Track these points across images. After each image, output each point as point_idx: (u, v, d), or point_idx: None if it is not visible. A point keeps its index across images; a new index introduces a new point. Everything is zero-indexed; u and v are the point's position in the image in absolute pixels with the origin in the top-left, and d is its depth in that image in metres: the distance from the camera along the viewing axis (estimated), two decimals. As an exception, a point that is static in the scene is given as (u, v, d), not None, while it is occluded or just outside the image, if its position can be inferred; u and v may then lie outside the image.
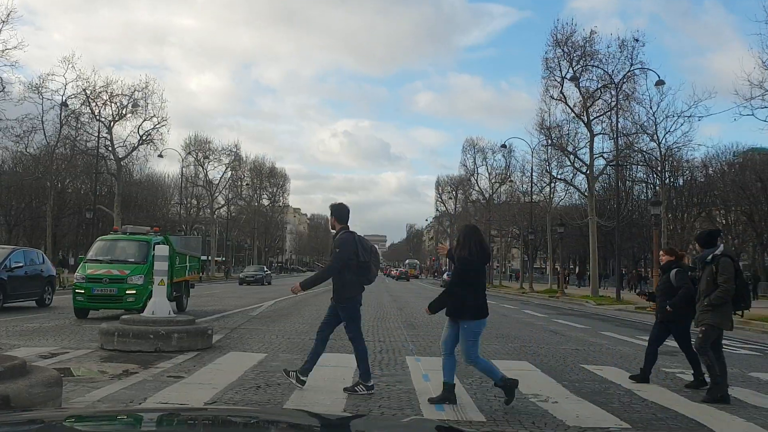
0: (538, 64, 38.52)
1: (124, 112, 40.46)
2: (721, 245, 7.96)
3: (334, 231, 7.27)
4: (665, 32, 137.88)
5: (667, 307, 8.21)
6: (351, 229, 7.30)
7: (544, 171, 43.16)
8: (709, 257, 7.64)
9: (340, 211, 7.29)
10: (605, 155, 37.32)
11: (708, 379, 7.62)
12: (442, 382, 6.67)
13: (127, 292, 14.64)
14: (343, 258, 6.97)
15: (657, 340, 8.45)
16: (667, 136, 32.55)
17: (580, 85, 36.04)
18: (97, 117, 40.37)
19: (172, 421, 2.21)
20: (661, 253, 9.07)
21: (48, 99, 37.69)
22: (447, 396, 6.55)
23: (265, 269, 52.86)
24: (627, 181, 49.92)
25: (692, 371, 8.20)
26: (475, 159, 68.36)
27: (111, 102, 40.12)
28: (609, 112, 35.36)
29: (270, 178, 79.37)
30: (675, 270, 8.31)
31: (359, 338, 7.31)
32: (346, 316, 7.23)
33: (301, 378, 7.01)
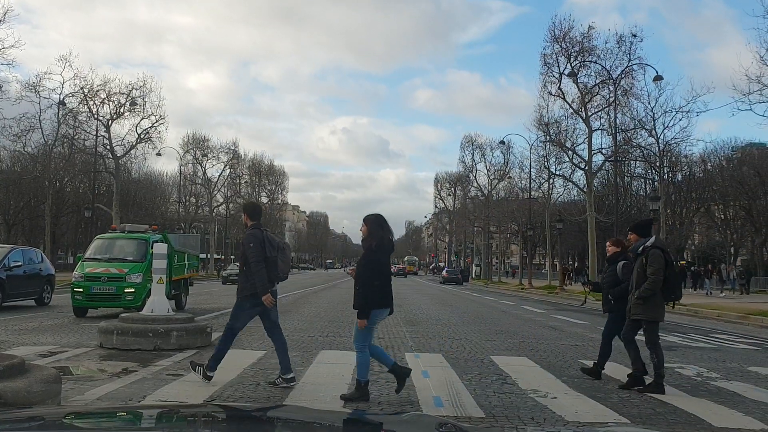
0: (536, 60, 38.64)
1: (122, 110, 40.49)
2: (653, 236, 7.84)
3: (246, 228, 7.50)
4: (665, 27, 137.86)
5: (609, 296, 8.09)
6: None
7: (542, 167, 43.20)
8: (640, 248, 7.54)
9: (253, 210, 7.63)
10: (604, 151, 37.41)
11: (635, 374, 7.64)
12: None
13: (125, 290, 14.64)
14: (256, 252, 7.02)
15: (610, 334, 8.24)
16: (665, 131, 32.63)
17: (578, 81, 36.07)
18: (95, 115, 40.40)
19: (172, 418, 2.21)
20: (608, 244, 8.73)
21: (45, 98, 37.76)
22: (361, 395, 6.47)
23: None
24: (625, 177, 50.00)
25: (597, 362, 8.24)
26: (473, 155, 68.54)
27: (109, 100, 40.16)
28: (607, 108, 35.43)
29: (268, 175, 79.27)
30: (622, 263, 8.10)
31: (276, 330, 7.50)
32: (239, 311, 7.24)
33: (208, 374, 7.02)
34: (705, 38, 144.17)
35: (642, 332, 7.64)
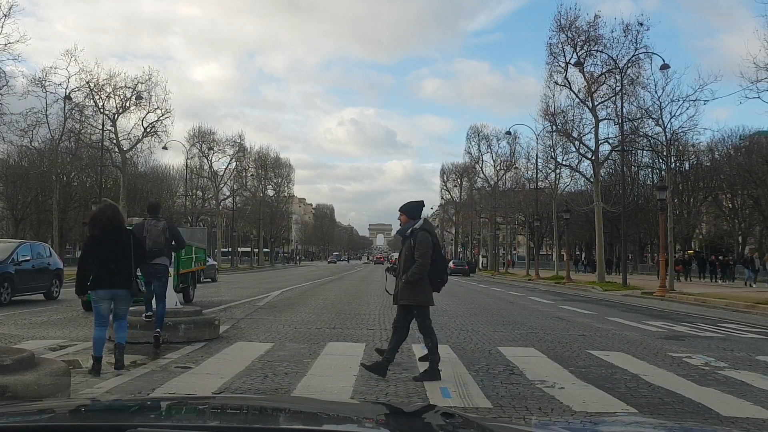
0: (544, 48, 38.09)
1: (127, 104, 40.55)
2: (422, 219, 7.49)
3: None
4: (678, 13, 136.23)
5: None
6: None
7: (549, 157, 42.99)
8: (409, 231, 7.27)
9: (152, 207, 9.55)
10: (610, 140, 37.20)
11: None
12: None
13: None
14: (138, 239, 7.96)
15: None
16: (672, 120, 32.36)
17: (585, 70, 35.88)
18: (101, 110, 40.42)
19: (180, 410, 2.22)
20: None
21: (51, 93, 37.76)
22: (96, 368, 7.04)
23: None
24: (632, 167, 49.73)
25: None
26: (479, 146, 68.41)
27: (114, 95, 40.19)
28: (614, 97, 35.19)
29: (275, 168, 79.29)
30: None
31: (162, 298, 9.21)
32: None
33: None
34: (718, 24, 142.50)
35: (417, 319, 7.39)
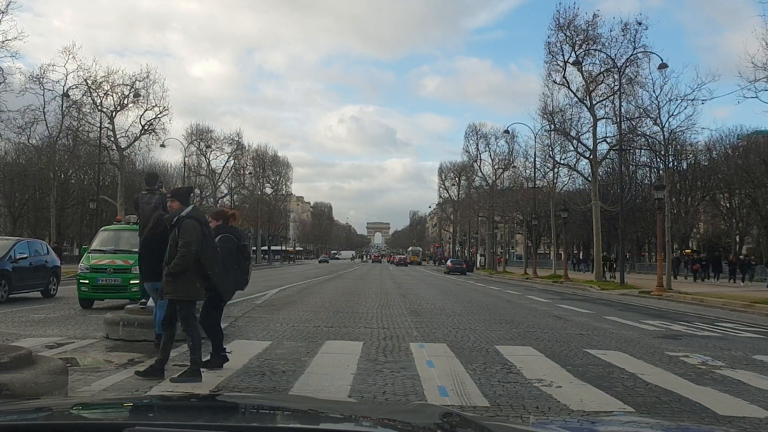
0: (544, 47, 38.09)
1: (125, 102, 40.51)
2: (192, 206, 7.09)
3: None
4: (681, 10, 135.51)
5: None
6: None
7: (547, 156, 43.05)
8: (175, 218, 6.85)
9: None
10: (608, 140, 37.21)
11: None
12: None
13: (131, 281, 14.66)
14: None
15: (211, 318, 7.58)
16: (670, 119, 32.38)
17: (583, 69, 35.90)
18: (99, 107, 40.41)
19: (178, 408, 2.22)
20: (209, 218, 7.73)
21: (49, 90, 37.80)
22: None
23: None
24: (630, 166, 49.74)
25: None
26: (477, 145, 68.40)
27: (112, 92, 40.20)
28: (612, 97, 35.20)
29: (272, 166, 79.37)
30: (221, 236, 7.40)
31: None
32: None
33: None
34: (723, 21, 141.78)
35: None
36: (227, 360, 7.44)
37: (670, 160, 40.65)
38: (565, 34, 36.13)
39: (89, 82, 39.14)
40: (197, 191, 66.09)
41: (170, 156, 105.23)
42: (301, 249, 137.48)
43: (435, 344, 9.96)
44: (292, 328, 11.69)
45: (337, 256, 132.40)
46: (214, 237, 7.16)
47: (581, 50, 35.79)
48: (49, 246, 20.48)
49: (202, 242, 6.71)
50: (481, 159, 67.95)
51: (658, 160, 41.10)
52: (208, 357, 7.42)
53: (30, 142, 40.32)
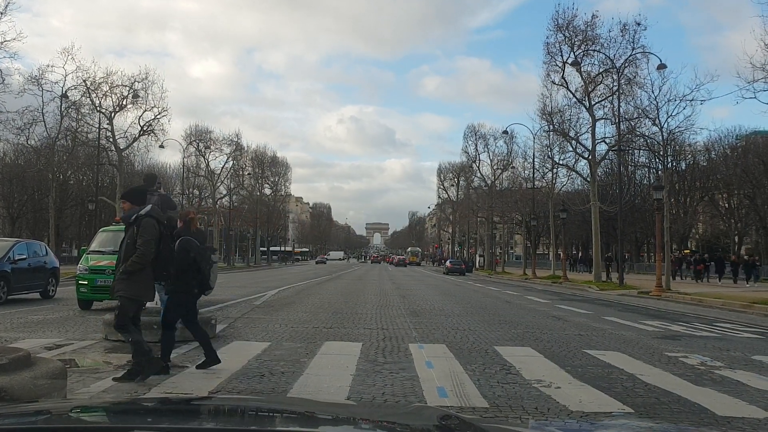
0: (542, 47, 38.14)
1: (124, 102, 40.45)
2: (150, 205, 7.02)
3: None
4: (683, 9, 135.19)
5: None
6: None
7: (546, 157, 43.10)
8: (133, 217, 6.81)
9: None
10: (607, 140, 37.21)
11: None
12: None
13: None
14: None
15: (175, 319, 7.48)
16: (669, 120, 32.39)
17: (582, 69, 35.93)
18: (98, 108, 40.34)
19: (177, 410, 2.22)
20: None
21: (48, 91, 37.70)
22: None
23: None
24: (629, 166, 49.81)
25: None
26: (476, 145, 68.36)
27: (111, 93, 40.11)
28: (611, 97, 35.22)
29: (271, 167, 79.31)
30: (180, 239, 7.22)
31: None
32: None
33: None
34: (723, 20, 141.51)
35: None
36: (168, 372, 7.04)
37: (669, 160, 40.63)
38: (564, 35, 36.16)
39: (88, 83, 39.10)
40: (196, 192, 66.12)
41: (169, 157, 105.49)
42: (307, 250, 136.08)
43: (434, 345, 9.96)
44: (291, 329, 11.68)
45: (325, 257, 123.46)
46: (172, 238, 7.11)
47: (580, 51, 35.84)
48: (48, 247, 20.47)
49: (159, 242, 6.76)
50: (480, 159, 67.97)
51: (657, 160, 41.18)
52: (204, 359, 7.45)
53: (29, 143, 40.25)
